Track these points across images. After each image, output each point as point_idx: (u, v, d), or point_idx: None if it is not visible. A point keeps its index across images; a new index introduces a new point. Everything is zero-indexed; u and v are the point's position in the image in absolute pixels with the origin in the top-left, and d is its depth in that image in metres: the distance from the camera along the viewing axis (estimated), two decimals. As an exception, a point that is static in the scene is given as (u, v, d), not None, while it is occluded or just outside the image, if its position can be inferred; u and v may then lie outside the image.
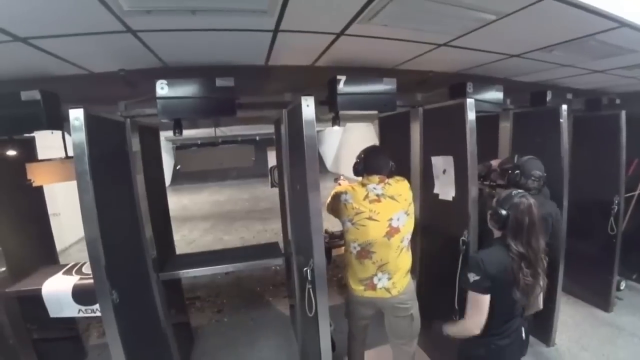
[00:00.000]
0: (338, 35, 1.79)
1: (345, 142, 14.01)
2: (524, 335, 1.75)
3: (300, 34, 1.73)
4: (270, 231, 6.74)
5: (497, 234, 1.67)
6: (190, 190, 14.18)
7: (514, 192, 1.64)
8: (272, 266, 4.46)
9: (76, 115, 1.61)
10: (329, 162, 16.44)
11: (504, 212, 1.57)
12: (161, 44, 1.84)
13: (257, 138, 9.76)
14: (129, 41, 1.74)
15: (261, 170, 8.52)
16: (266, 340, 3.18)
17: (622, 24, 1.75)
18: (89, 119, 1.65)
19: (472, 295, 1.57)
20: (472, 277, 1.54)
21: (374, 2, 1.41)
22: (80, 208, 1.63)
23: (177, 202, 11.33)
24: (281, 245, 2.85)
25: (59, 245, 3.11)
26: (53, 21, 1.49)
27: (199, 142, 9.30)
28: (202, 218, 8.81)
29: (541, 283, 1.59)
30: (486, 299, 1.55)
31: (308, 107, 1.70)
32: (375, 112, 2.79)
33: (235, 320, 3.57)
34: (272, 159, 3.13)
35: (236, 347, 3.10)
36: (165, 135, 8.03)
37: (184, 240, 6.64)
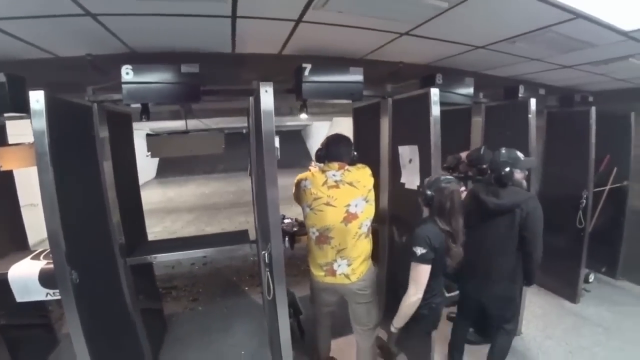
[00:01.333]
0: (297, 22, 1.82)
1: (332, 136, 14.05)
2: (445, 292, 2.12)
3: (259, 20, 1.75)
4: (253, 223, 6.69)
5: (425, 212, 1.94)
6: (177, 183, 14.19)
7: (442, 177, 1.88)
8: (248, 256, 4.53)
9: (37, 98, 1.62)
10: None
11: (429, 192, 1.83)
12: (123, 28, 1.86)
13: (244, 131, 9.71)
14: (90, 24, 1.75)
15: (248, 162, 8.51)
16: (239, 326, 3.22)
17: (576, 14, 1.79)
18: (51, 102, 1.65)
19: (416, 267, 1.79)
20: (420, 250, 1.76)
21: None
22: (40, 188, 1.64)
23: (163, 194, 11.34)
24: (254, 233, 2.88)
25: (37, 236, 3.08)
26: (8, 2, 1.49)
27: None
28: (187, 210, 8.80)
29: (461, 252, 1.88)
30: (428, 269, 1.79)
31: (267, 92, 1.70)
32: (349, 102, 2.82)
33: (209, 309, 3.59)
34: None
35: (209, 333, 3.13)
36: (151, 127, 8.00)
37: (166, 231, 6.66)
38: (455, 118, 3.32)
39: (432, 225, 1.82)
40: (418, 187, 1.90)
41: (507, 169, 2.14)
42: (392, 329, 1.95)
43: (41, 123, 1.62)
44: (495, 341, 2.36)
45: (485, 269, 2.22)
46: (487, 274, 2.22)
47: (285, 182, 2.14)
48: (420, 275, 1.79)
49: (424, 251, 1.75)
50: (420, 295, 1.81)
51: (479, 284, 2.28)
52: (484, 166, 2.68)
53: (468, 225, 2.30)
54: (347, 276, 2.02)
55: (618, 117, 3.70)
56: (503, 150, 2.26)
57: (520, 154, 2.27)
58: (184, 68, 1.99)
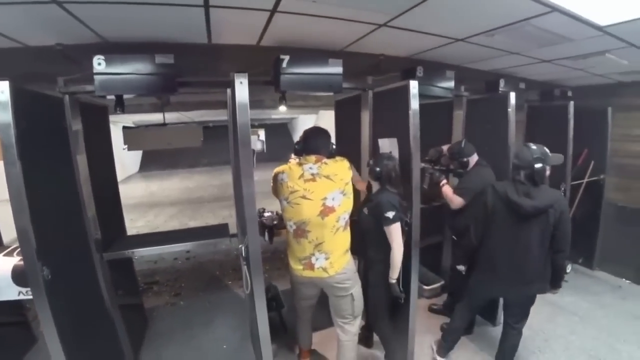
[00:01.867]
0: (272, 12, 1.79)
1: (318, 129, 14.04)
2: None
3: (232, 10, 1.71)
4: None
5: (375, 186, 2.26)
6: (160, 177, 14.02)
7: (384, 154, 2.26)
8: (231, 250, 4.48)
9: (1, 88, 1.56)
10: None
11: (378, 169, 2.18)
12: (92, 16, 1.79)
13: (229, 124, 9.64)
14: (57, 12, 1.68)
15: (232, 156, 8.45)
16: (222, 320, 3.21)
17: (552, 8, 1.80)
18: (17, 93, 1.59)
19: (394, 227, 2.09)
20: (392, 214, 2.07)
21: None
22: (7, 182, 1.59)
23: (146, 188, 11.19)
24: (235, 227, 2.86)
25: (13, 233, 3.00)
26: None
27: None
28: (170, 204, 8.68)
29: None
30: (400, 226, 2.12)
31: (241, 84, 1.68)
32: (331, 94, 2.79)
33: (192, 303, 3.56)
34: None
35: (191, 327, 3.11)
36: (134, 120, 7.85)
37: (149, 225, 6.57)
38: (438, 111, 3.34)
39: (387, 193, 2.17)
40: (369, 169, 2.24)
41: (540, 165, 2.03)
42: (392, 280, 2.17)
43: (7, 115, 1.56)
44: (506, 340, 2.36)
45: (519, 271, 2.13)
46: (521, 275, 2.13)
47: (271, 176, 2.12)
48: (398, 232, 2.11)
49: (394, 213, 2.07)
50: (402, 247, 2.12)
51: (509, 284, 2.20)
52: (465, 159, 2.72)
53: (492, 225, 2.23)
54: (325, 270, 2.02)
55: (596, 112, 3.78)
56: (533, 146, 2.11)
57: (547, 150, 2.14)
58: (158, 59, 1.94)
